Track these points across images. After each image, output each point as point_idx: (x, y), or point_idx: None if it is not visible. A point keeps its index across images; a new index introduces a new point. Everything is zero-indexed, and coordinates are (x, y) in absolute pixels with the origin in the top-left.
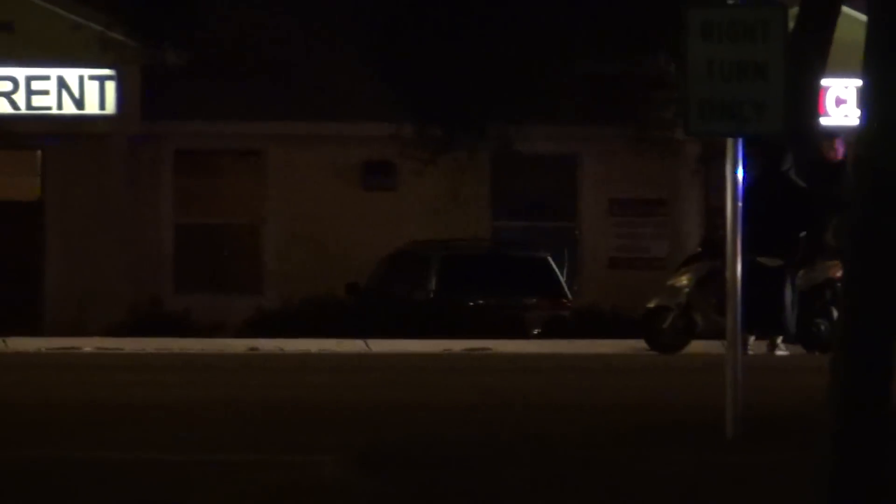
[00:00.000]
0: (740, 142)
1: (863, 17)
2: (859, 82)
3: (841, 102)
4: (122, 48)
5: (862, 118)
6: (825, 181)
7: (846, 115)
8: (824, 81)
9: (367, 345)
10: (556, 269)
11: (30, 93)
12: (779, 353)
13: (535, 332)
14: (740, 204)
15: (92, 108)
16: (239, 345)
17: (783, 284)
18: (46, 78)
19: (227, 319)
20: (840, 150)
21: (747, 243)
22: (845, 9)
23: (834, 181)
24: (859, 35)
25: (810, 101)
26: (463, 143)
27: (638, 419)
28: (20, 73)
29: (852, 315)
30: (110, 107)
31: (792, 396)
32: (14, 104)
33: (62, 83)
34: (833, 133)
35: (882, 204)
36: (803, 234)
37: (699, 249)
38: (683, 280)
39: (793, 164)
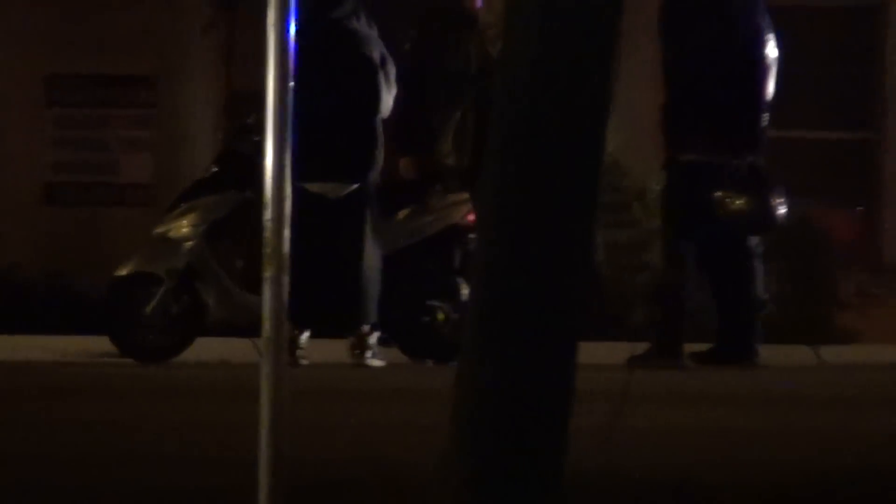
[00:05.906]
0: None
1: None
2: None
3: None
4: None
5: None
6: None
7: None
8: None
9: None
10: None
11: None
12: (370, 362)
13: None
14: (293, 84)
15: None
16: None
17: (360, 233)
18: None
19: None
20: None
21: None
22: None
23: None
24: None
25: None
26: None
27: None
28: None
29: (505, 288)
30: None
31: (364, 448)
32: None
33: None
34: None
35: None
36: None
37: (215, 169)
38: (185, 226)
39: (360, 7)
